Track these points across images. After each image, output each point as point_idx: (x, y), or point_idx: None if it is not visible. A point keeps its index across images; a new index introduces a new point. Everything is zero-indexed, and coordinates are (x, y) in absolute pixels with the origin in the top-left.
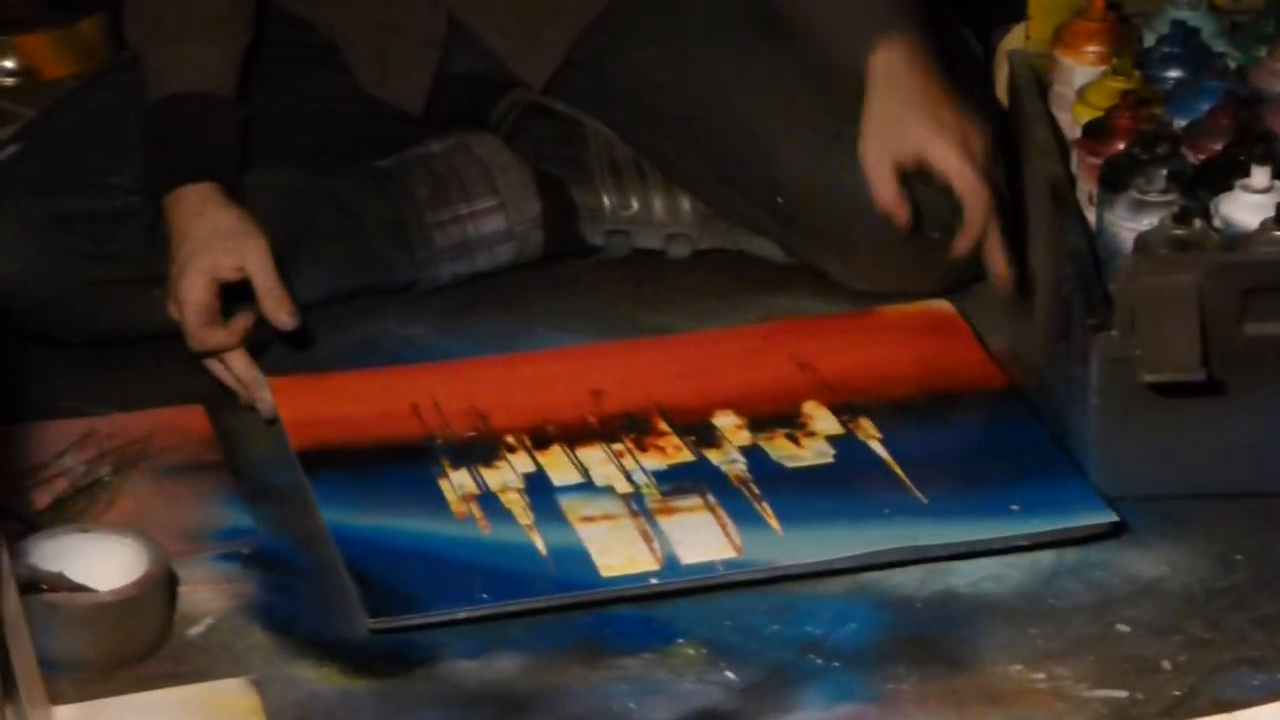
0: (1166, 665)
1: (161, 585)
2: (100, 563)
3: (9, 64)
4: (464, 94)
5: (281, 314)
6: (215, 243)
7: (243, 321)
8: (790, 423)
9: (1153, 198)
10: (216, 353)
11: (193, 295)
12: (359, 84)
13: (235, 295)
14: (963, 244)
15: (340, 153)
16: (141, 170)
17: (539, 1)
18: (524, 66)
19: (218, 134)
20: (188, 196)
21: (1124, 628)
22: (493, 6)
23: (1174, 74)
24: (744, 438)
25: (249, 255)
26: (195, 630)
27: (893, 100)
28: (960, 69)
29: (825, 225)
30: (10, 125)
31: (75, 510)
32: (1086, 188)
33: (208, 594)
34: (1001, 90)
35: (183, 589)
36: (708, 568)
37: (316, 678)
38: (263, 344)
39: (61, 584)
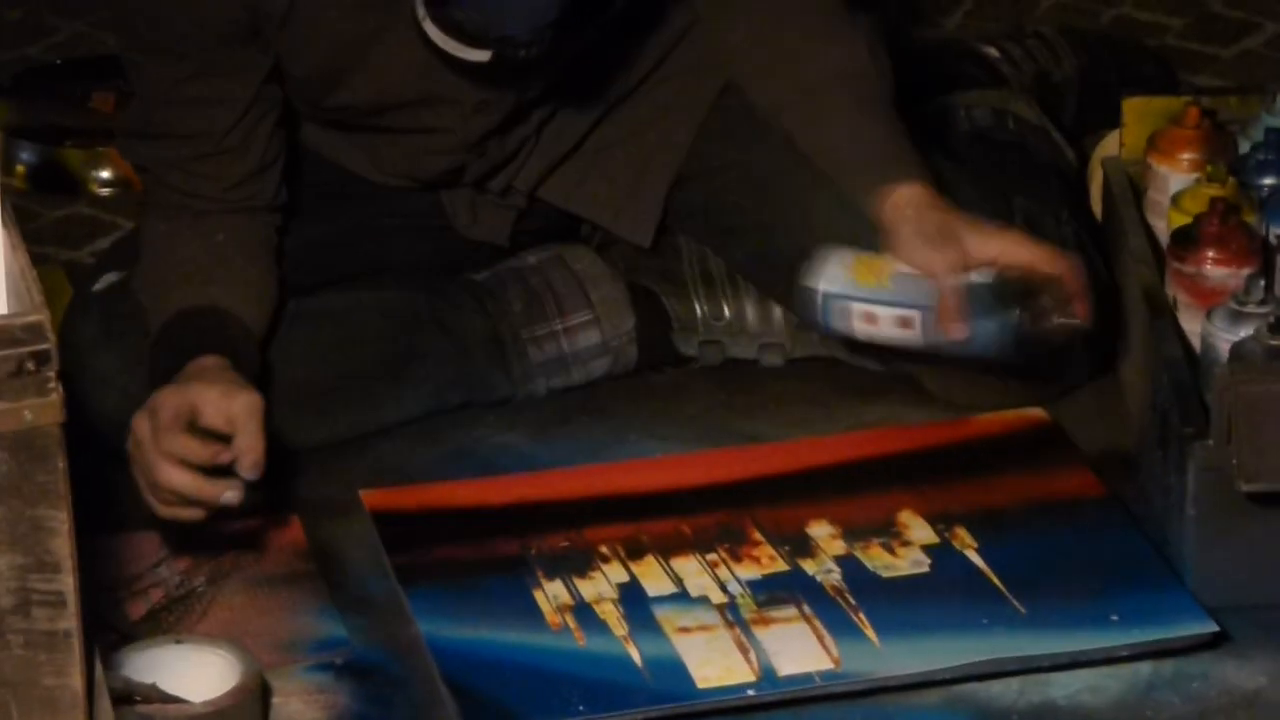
0: None
1: (255, 696)
2: (194, 674)
3: (105, 174)
4: (553, 217)
5: (247, 465)
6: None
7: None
8: (885, 532)
9: (1250, 308)
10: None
11: (170, 400)
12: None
13: None
14: (1082, 310)
15: (437, 268)
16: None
17: (628, 169)
18: (628, 229)
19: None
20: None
21: None
22: (582, 187)
23: (1269, 180)
24: (839, 547)
25: (239, 399)
26: None
27: (929, 221)
28: (1053, 177)
29: None
30: (107, 237)
31: (169, 621)
32: (1173, 294)
33: (301, 705)
34: (1096, 197)
35: (276, 700)
36: (805, 679)
37: None
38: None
39: (155, 695)
